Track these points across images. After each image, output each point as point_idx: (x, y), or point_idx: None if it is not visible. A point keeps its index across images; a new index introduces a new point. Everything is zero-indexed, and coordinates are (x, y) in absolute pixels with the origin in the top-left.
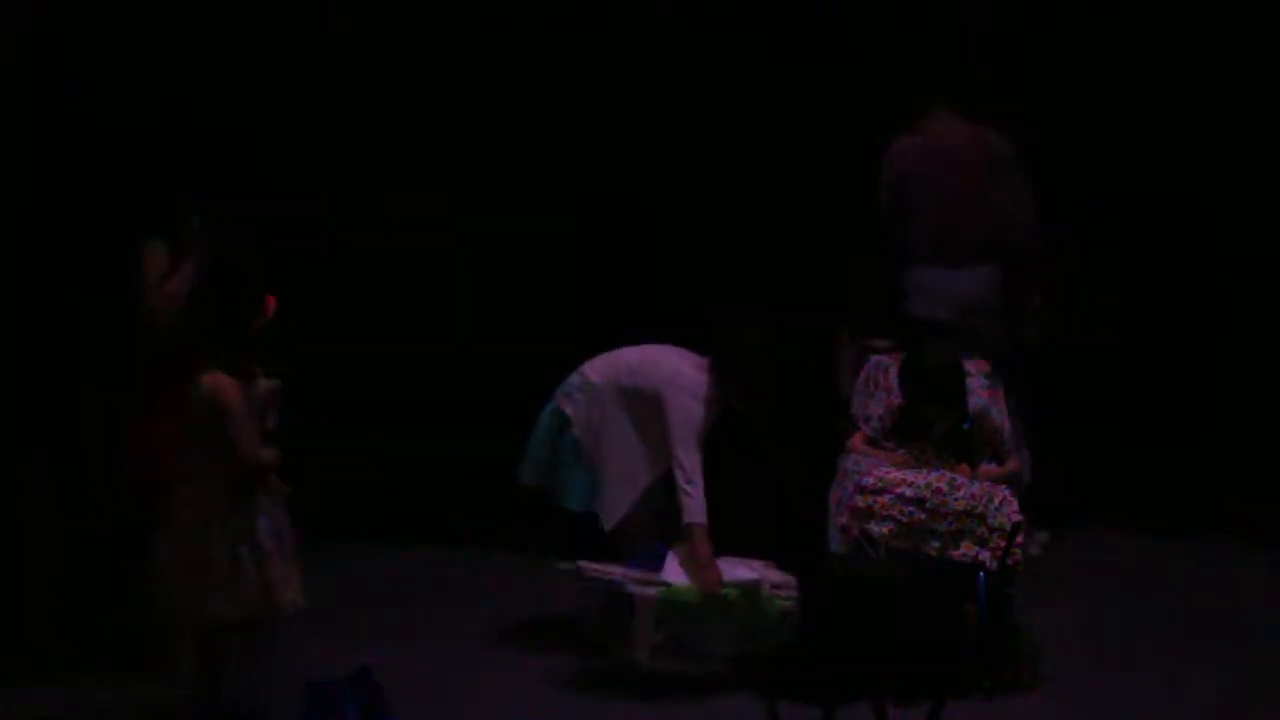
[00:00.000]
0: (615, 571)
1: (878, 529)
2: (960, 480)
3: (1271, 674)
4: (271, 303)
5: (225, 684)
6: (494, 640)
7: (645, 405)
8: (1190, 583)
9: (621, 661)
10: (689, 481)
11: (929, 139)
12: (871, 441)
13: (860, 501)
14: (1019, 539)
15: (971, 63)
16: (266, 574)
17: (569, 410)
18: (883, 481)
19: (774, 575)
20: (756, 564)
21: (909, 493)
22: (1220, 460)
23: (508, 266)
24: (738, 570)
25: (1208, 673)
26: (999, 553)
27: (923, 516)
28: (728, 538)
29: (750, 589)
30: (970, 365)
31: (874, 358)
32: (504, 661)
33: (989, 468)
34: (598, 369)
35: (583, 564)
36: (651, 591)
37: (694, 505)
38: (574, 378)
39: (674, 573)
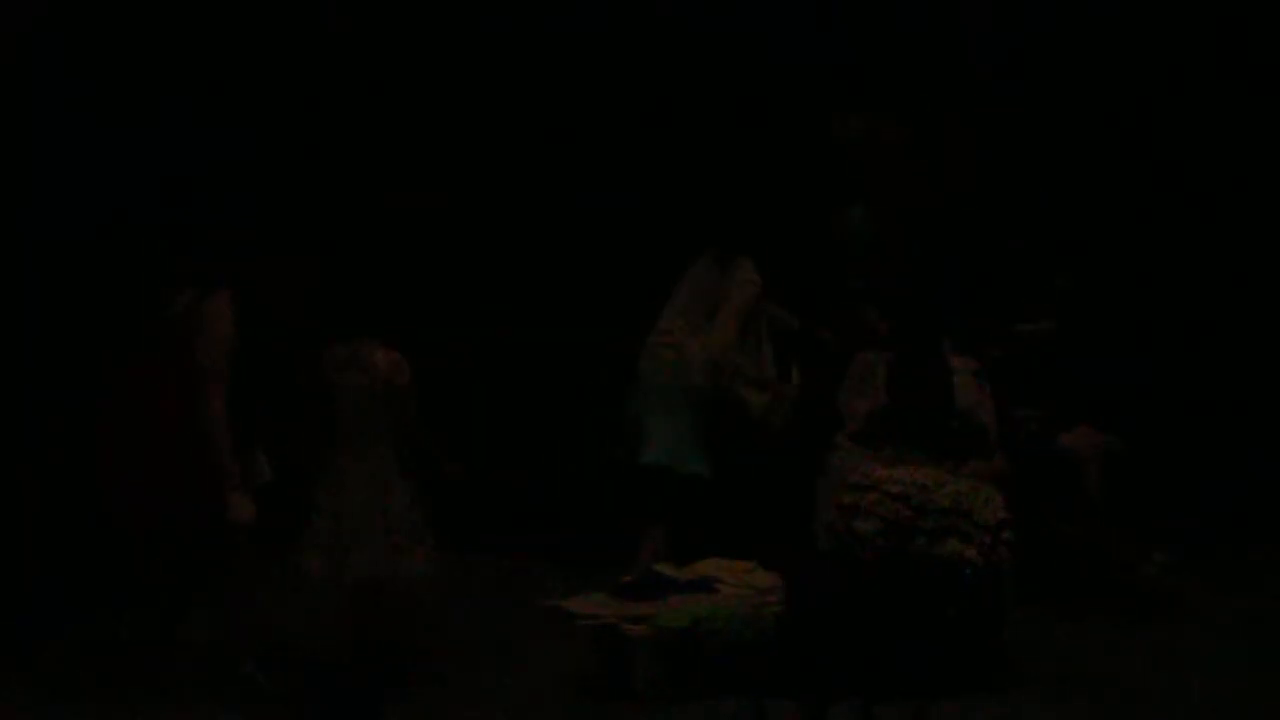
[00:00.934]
0: (604, 610)
1: (864, 526)
2: (946, 477)
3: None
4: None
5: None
6: (499, 646)
7: None
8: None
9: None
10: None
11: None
12: (859, 438)
13: (846, 498)
14: (1004, 535)
15: (970, 62)
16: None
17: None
18: (869, 478)
19: (762, 579)
20: (742, 566)
21: (895, 489)
22: None
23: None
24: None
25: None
26: (985, 549)
27: (909, 513)
28: (717, 538)
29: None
30: (958, 363)
31: (861, 355)
32: (503, 665)
33: (975, 465)
34: (671, 324)
35: (571, 604)
36: (641, 628)
37: None
38: (660, 352)
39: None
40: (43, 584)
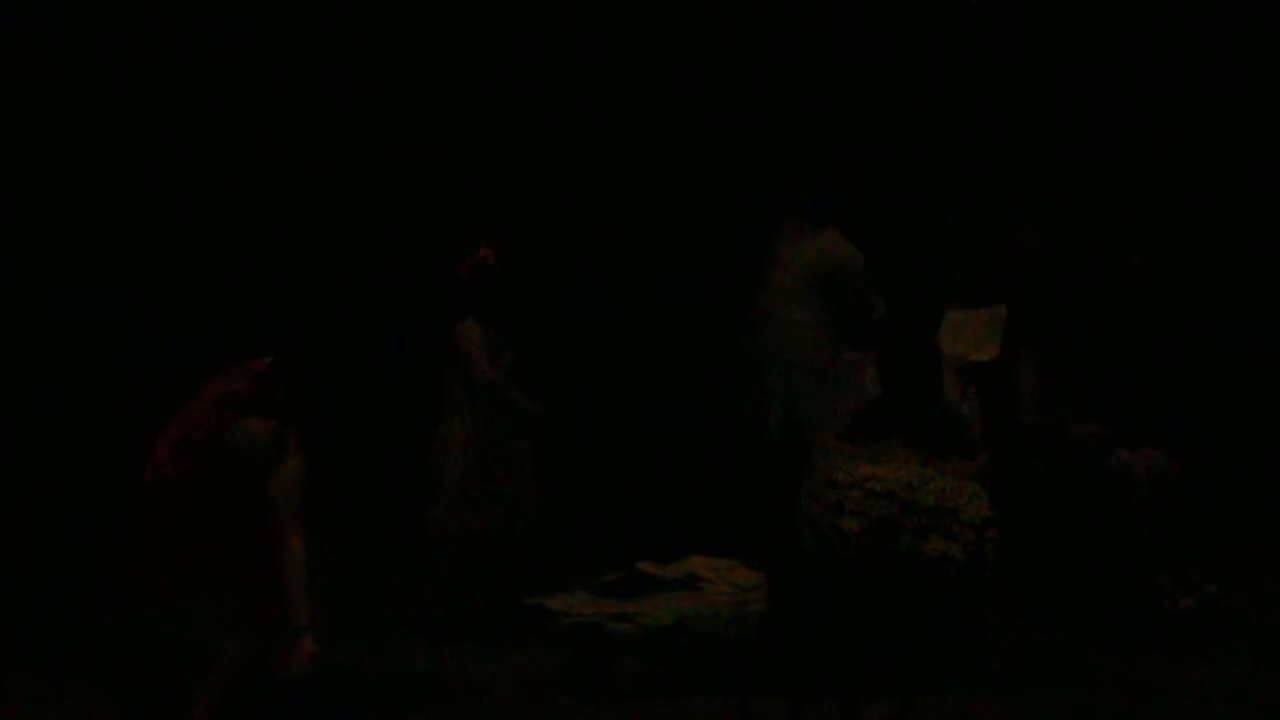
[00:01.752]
0: (588, 608)
1: (848, 523)
2: (931, 475)
3: None
4: (490, 253)
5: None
6: (480, 644)
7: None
8: None
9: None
10: None
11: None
12: (843, 436)
13: (830, 496)
14: (990, 533)
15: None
16: (516, 494)
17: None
18: (853, 476)
19: (744, 577)
20: (725, 564)
21: (879, 488)
22: None
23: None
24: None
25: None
26: (970, 548)
27: (893, 511)
28: (698, 536)
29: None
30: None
31: (846, 354)
32: (485, 664)
33: (959, 463)
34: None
35: (554, 602)
36: (626, 625)
37: None
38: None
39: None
40: (43, 584)
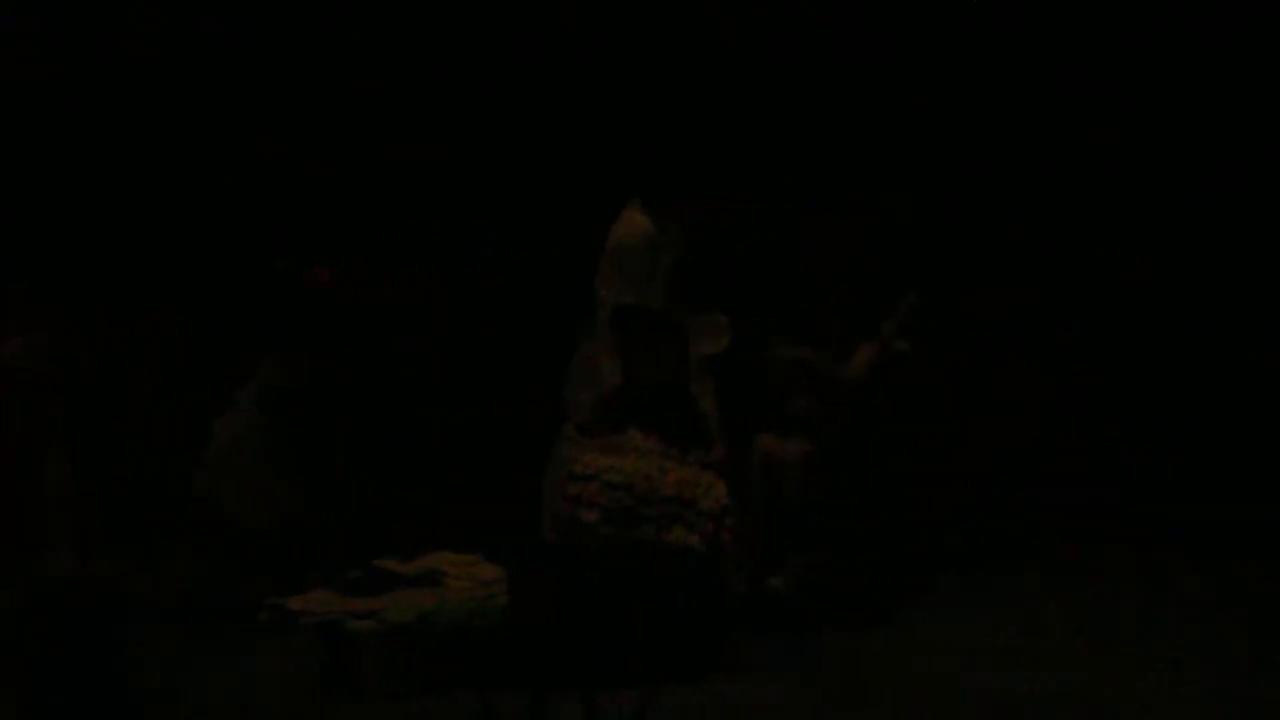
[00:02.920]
0: (328, 607)
1: (586, 515)
2: (669, 466)
3: None
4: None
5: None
6: (217, 651)
7: None
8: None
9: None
10: None
11: None
12: (584, 428)
13: (571, 489)
14: (727, 522)
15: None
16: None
17: None
18: (591, 467)
19: (486, 572)
20: (467, 559)
21: (617, 479)
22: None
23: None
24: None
25: None
26: (709, 537)
27: (631, 502)
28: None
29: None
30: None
31: (583, 349)
32: (222, 669)
33: (697, 453)
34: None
35: (293, 602)
36: (367, 623)
37: None
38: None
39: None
40: None
